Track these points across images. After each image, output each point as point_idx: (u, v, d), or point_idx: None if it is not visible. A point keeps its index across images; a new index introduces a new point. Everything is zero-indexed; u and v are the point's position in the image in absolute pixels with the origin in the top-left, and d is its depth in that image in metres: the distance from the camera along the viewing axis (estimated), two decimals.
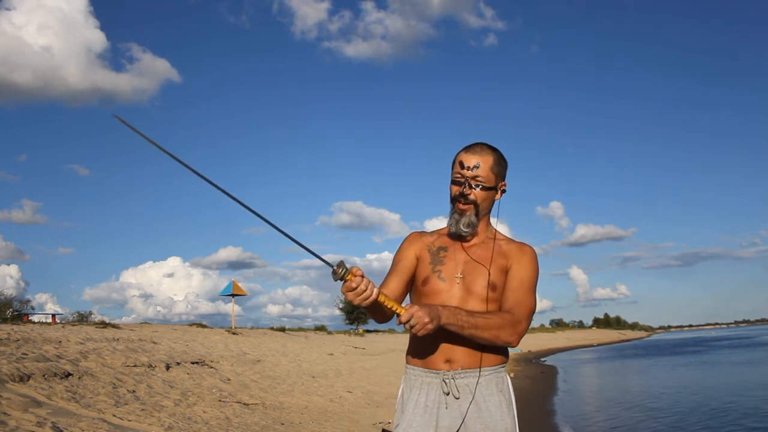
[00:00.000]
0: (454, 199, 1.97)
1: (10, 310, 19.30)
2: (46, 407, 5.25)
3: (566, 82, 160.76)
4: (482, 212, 1.97)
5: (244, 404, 7.87)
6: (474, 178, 1.92)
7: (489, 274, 1.93)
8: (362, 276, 1.63)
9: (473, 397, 1.87)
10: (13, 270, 54.44)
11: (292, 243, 1.60)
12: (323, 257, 1.63)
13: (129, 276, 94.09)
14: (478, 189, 1.93)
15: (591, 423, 9.22)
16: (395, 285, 1.98)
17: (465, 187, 1.93)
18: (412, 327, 1.68)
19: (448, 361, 1.89)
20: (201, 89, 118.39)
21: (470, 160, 1.93)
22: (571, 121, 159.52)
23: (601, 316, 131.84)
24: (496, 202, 2.01)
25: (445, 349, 1.89)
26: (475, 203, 1.94)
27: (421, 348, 1.95)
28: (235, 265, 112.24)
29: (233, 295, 24.27)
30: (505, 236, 2.04)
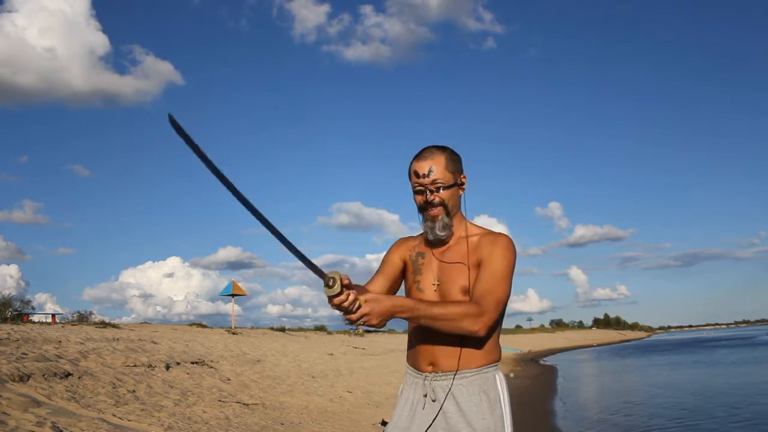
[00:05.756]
0: (421, 208, 2.00)
1: (10, 309, 19.27)
2: (46, 407, 5.26)
3: (564, 84, 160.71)
4: (452, 211, 1.99)
5: (244, 404, 7.87)
6: (433, 183, 1.95)
7: (465, 274, 1.96)
8: (349, 286, 1.59)
9: (453, 399, 1.92)
10: (13, 270, 54.54)
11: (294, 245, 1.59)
12: (321, 268, 1.56)
13: (129, 276, 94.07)
14: (440, 191, 1.96)
15: (591, 423, 9.21)
16: (379, 285, 2.05)
17: (427, 194, 1.96)
18: (362, 322, 1.65)
19: (431, 363, 1.97)
20: (203, 91, 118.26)
21: (423, 167, 1.96)
22: (570, 122, 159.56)
23: (601, 317, 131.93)
24: (462, 196, 2.03)
25: (428, 352, 1.97)
26: (443, 204, 1.97)
27: (412, 349, 2.07)
28: (235, 265, 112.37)
29: (233, 295, 24.26)
30: (480, 228, 2.03)
